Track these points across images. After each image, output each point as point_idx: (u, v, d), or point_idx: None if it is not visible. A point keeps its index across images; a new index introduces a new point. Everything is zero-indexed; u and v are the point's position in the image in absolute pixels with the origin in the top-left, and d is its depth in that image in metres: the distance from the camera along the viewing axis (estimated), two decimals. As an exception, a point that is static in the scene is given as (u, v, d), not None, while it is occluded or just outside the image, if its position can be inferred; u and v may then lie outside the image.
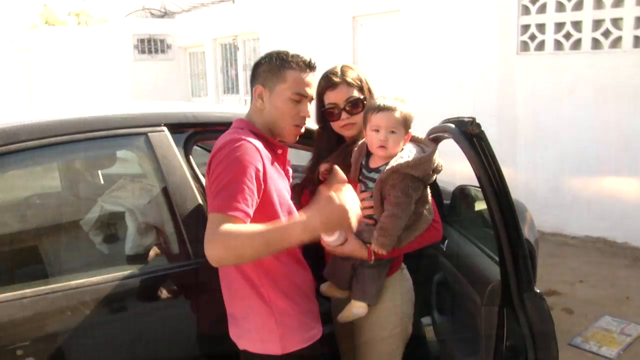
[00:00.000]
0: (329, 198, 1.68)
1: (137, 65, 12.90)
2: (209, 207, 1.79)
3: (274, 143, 2.00)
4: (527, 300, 1.98)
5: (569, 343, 3.81)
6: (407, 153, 2.08)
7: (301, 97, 2.00)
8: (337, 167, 2.16)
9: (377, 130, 2.09)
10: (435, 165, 2.11)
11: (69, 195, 2.69)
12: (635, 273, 5.09)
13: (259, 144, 1.88)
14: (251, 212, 1.77)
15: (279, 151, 2.02)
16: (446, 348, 2.57)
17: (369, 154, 2.17)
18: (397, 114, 2.08)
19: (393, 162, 2.04)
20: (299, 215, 1.74)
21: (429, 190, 2.19)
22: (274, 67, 1.97)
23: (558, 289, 4.71)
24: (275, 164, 1.98)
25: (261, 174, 1.85)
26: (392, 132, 2.08)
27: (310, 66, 2.02)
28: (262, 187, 1.86)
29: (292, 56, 1.99)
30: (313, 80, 2.04)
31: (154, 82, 12.70)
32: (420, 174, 2.04)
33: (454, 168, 4.30)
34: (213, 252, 1.67)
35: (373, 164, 2.14)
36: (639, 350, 3.74)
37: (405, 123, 2.10)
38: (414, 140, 2.17)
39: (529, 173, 6.18)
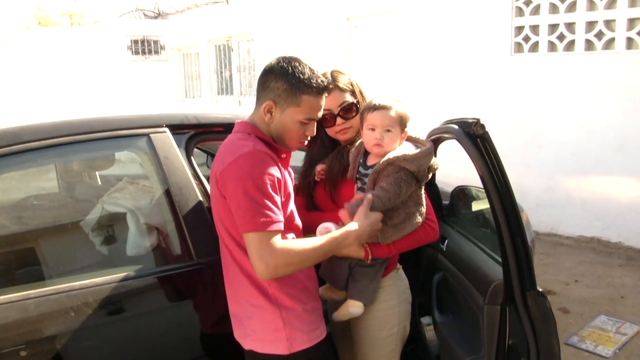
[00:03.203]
0: (367, 210, 1.98)
1: (131, 67, 12.84)
2: (243, 225, 1.80)
3: (278, 148, 1.99)
4: (530, 298, 1.99)
5: (566, 342, 3.82)
6: (403, 148, 2.10)
7: (311, 121, 1.99)
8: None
9: (373, 129, 2.11)
10: (431, 163, 2.13)
11: (70, 196, 2.68)
12: (629, 272, 5.12)
13: (268, 151, 1.89)
14: (282, 217, 1.85)
15: (283, 155, 2.01)
16: (447, 347, 2.57)
17: (366, 154, 2.19)
18: (393, 113, 2.10)
19: (390, 155, 2.06)
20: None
21: (423, 192, 2.19)
22: (290, 87, 1.90)
23: (553, 288, 4.74)
24: (282, 167, 1.97)
25: (282, 182, 1.89)
26: (388, 130, 2.10)
27: (326, 89, 1.99)
28: (283, 193, 1.89)
29: (309, 77, 1.91)
30: (324, 101, 2.02)
31: (147, 83, 12.65)
32: (415, 168, 2.05)
33: (451, 169, 4.32)
34: (272, 271, 1.80)
35: (370, 162, 2.16)
36: (635, 349, 3.76)
37: (401, 122, 2.12)
38: (411, 139, 2.19)
39: (523, 173, 6.20)
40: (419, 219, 2.15)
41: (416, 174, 2.07)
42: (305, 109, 1.94)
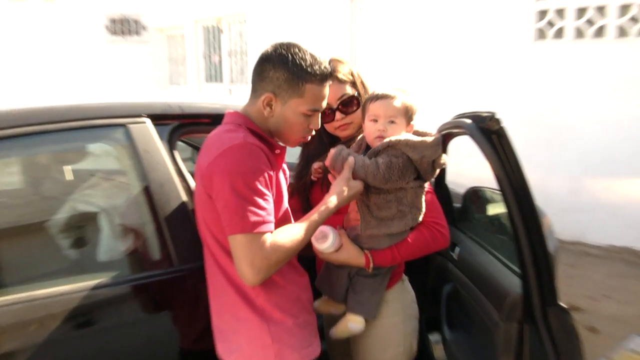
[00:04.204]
0: (345, 177, 2.00)
1: (108, 48, 12.83)
2: (231, 226, 1.80)
3: (272, 143, 2.00)
4: (551, 315, 1.98)
5: (592, 365, 3.82)
6: (408, 135, 2.10)
7: (315, 112, 2.00)
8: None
9: (376, 120, 2.12)
10: (437, 157, 2.10)
11: (36, 193, 2.67)
12: (665, 287, 5.11)
13: (261, 145, 1.89)
14: (273, 217, 1.85)
15: (277, 151, 2.02)
16: (458, 368, 2.57)
17: (368, 149, 2.19)
18: (397, 103, 2.11)
19: (392, 137, 2.06)
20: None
21: (424, 196, 2.18)
22: (291, 77, 1.91)
23: (580, 304, 4.72)
24: (275, 164, 1.98)
25: (274, 180, 1.89)
26: (392, 122, 2.11)
27: (330, 76, 2.00)
28: (274, 191, 1.90)
29: (312, 64, 1.93)
30: (328, 90, 2.03)
31: (126, 68, 12.65)
32: (417, 157, 2.04)
33: (464, 168, 4.31)
34: (263, 275, 1.79)
35: None
36: (669, 373, 3.76)
37: (407, 113, 2.13)
38: (418, 134, 2.18)
39: (546, 174, 6.20)
40: (411, 222, 2.15)
41: (418, 165, 2.07)
42: (309, 100, 1.95)
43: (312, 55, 1.95)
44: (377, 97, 2.13)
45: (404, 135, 2.08)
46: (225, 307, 1.99)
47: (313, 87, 1.94)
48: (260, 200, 1.80)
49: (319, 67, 1.94)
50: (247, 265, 1.77)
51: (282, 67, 1.92)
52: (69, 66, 13.02)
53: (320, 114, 2.04)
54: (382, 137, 2.10)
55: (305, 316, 2.05)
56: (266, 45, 2.00)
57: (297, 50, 1.94)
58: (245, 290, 1.93)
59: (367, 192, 2.08)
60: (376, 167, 2.03)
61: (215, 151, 1.85)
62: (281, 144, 2.07)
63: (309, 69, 1.92)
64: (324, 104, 2.02)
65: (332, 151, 2.08)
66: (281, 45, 1.96)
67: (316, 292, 2.24)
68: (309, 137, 2.07)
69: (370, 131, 2.14)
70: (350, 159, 2.03)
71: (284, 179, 2.07)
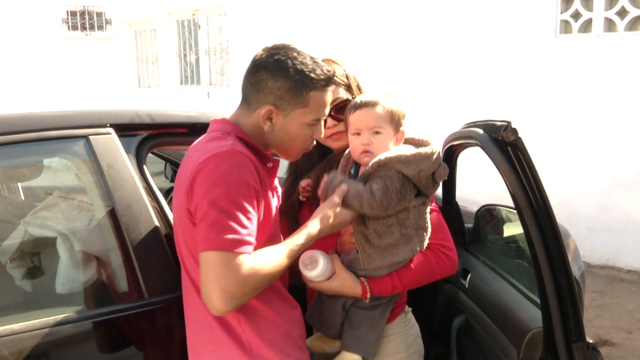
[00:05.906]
0: (334, 202, 2.00)
1: (67, 46, 12.80)
2: (205, 241, 1.78)
3: (265, 155, 2.01)
4: (577, 352, 1.99)
5: (626, 408, 3.83)
6: (400, 149, 2.11)
7: (319, 121, 2.03)
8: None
9: (359, 133, 2.13)
10: (437, 168, 2.10)
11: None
12: None
13: (250, 155, 1.90)
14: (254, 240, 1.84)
15: (269, 164, 2.03)
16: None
17: (356, 165, 2.20)
18: (379, 109, 2.12)
19: (381, 155, 2.06)
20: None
21: (429, 212, 2.18)
22: (294, 86, 1.92)
23: (611, 338, 4.73)
24: (266, 180, 1.98)
25: (262, 196, 1.90)
26: (377, 132, 2.11)
27: (332, 79, 2.02)
28: (262, 211, 1.91)
29: (313, 69, 1.95)
30: (331, 94, 2.06)
31: (88, 68, 12.60)
32: (413, 173, 2.04)
33: (476, 184, 4.33)
34: (236, 302, 1.76)
35: (362, 173, 2.16)
36: None
37: (392, 119, 2.13)
38: (413, 142, 2.19)
39: (572, 189, 6.21)
40: (418, 247, 2.14)
41: (415, 181, 2.07)
42: (313, 109, 1.97)
43: (311, 58, 1.98)
44: (355, 107, 2.15)
45: (395, 151, 2.08)
46: (205, 344, 1.98)
47: (317, 94, 1.96)
48: (242, 217, 1.80)
49: (321, 70, 1.96)
50: (217, 290, 1.74)
51: (281, 76, 1.93)
52: (20, 67, 12.95)
53: (323, 122, 2.07)
54: (369, 152, 2.10)
55: (298, 354, 2.05)
56: (250, 42, 2.02)
57: (295, 54, 1.95)
58: (230, 323, 1.93)
59: (363, 219, 2.08)
60: (371, 194, 2.03)
61: (197, 159, 1.86)
62: (276, 157, 2.08)
63: (312, 75, 1.94)
64: (327, 111, 2.05)
65: (325, 178, 2.09)
66: (276, 49, 1.98)
67: (309, 327, 2.24)
68: (312, 147, 2.10)
69: (354, 146, 2.15)
70: (344, 186, 2.04)
71: (276, 198, 2.09)
